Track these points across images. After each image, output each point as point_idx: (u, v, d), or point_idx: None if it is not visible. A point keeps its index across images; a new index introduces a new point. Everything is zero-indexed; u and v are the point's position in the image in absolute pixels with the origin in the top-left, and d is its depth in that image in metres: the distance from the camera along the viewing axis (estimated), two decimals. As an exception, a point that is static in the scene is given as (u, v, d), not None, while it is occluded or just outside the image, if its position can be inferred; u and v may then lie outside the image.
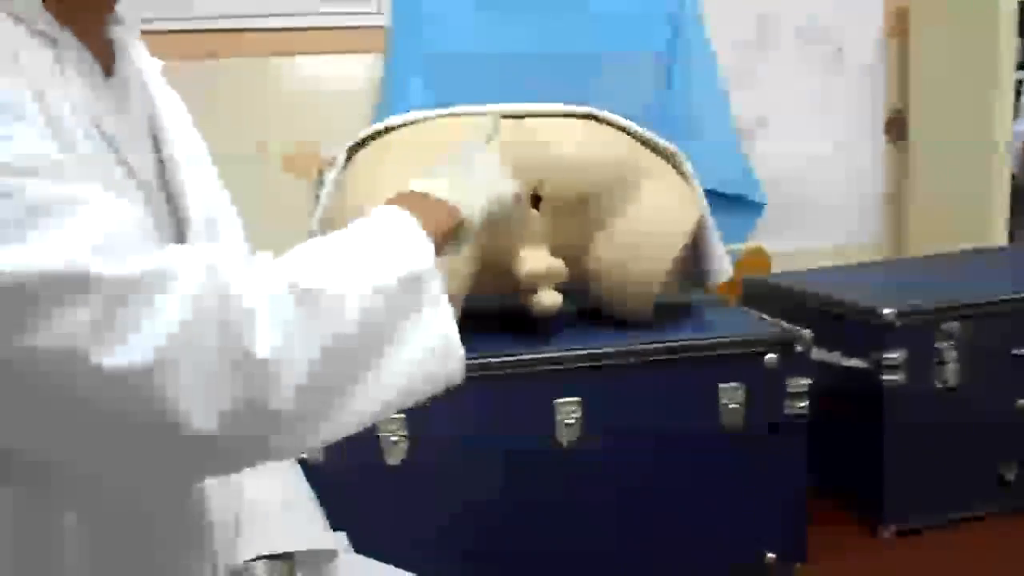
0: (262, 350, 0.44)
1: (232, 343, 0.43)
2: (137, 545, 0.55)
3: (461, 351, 0.57)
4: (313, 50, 1.99)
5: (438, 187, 0.64)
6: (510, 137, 0.91)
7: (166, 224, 0.56)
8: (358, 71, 2.01)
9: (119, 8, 0.54)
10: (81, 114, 0.48)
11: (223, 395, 0.44)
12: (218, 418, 0.43)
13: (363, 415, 0.54)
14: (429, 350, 0.55)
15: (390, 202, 0.61)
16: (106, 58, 0.53)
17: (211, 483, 0.65)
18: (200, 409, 0.43)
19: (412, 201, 0.61)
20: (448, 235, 0.62)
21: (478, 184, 0.67)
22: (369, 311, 0.51)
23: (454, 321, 0.57)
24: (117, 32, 0.55)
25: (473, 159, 0.71)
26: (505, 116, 0.94)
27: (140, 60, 0.57)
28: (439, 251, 0.60)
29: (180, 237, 0.56)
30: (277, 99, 1.94)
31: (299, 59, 1.99)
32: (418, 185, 0.65)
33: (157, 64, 0.61)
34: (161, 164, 0.57)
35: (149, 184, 0.54)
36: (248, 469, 0.75)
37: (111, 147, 0.50)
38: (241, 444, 0.47)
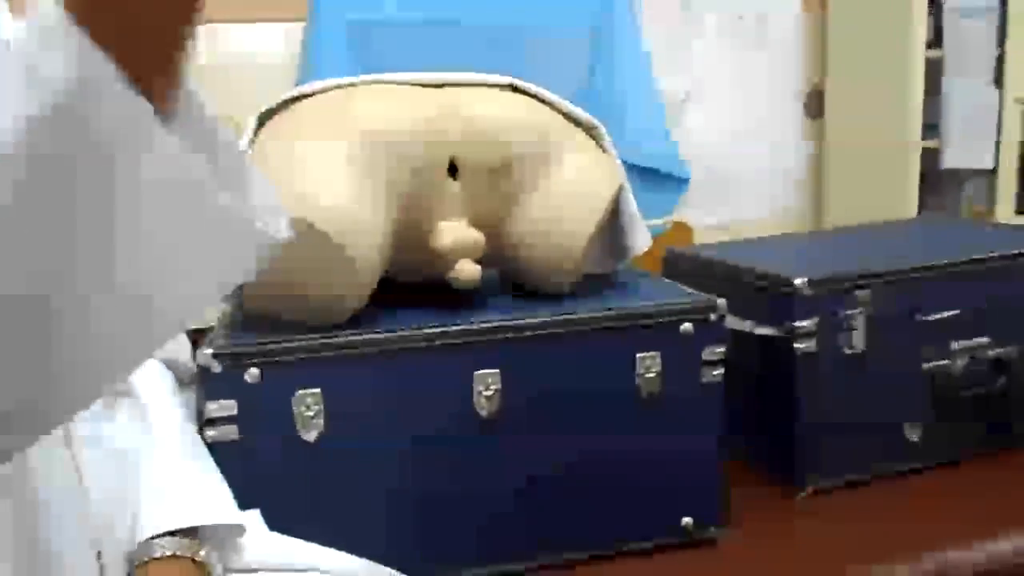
0: None
1: None
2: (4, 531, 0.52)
3: (198, 176, 0.36)
4: (232, 18, 1.92)
5: None
6: (428, 107, 0.90)
7: None
8: (279, 40, 1.95)
9: None
10: None
11: None
12: None
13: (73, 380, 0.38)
14: (164, 217, 0.35)
15: None
16: None
17: (93, 466, 0.62)
18: None
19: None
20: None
21: None
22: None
23: (176, 148, 0.35)
24: None
25: None
26: (423, 85, 0.93)
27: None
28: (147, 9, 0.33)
29: None
30: (195, 69, 1.87)
31: (217, 27, 1.91)
32: None
33: None
34: None
35: None
36: (145, 448, 0.73)
37: None
38: None
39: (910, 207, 2.11)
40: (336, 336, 0.85)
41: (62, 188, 0.33)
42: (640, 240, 1.02)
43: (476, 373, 0.89)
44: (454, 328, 0.88)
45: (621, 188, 1.00)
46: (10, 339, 0.35)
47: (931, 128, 2.17)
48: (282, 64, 1.87)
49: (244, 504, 0.77)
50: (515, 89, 0.98)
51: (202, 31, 1.87)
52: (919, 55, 2.11)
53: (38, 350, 0.36)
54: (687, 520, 0.97)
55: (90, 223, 0.34)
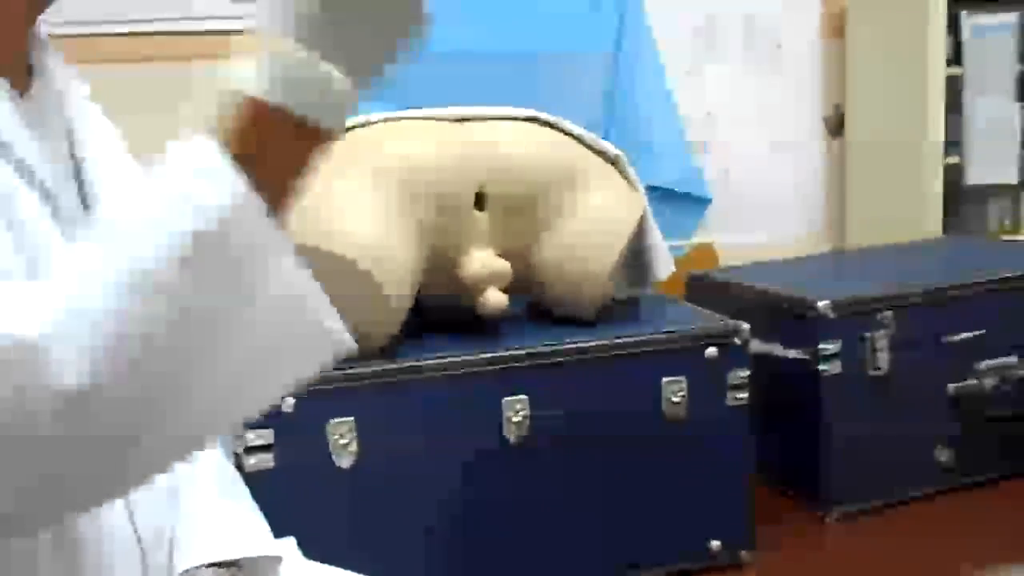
0: None
1: None
2: (49, 565, 0.53)
3: (320, 301, 0.42)
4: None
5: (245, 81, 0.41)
6: (454, 142, 0.93)
7: None
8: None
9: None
10: None
11: None
12: None
13: (168, 456, 0.44)
14: (271, 326, 0.41)
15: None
16: (20, 77, 0.50)
17: (136, 497, 0.64)
18: None
19: (228, 118, 0.41)
20: (291, 133, 0.41)
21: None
22: (132, 327, 0.38)
23: (294, 265, 0.41)
24: (35, 49, 0.52)
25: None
26: (448, 120, 0.95)
27: (57, 78, 0.54)
28: (287, 158, 0.41)
29: None
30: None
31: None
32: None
33: (84, 87, 0.59)
34: (81, 184, 0.54)
35: (66, 207, 0.51)
36: (184, 482, 0.74)
37: (23, 171, 0.47)
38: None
39: (934, 226, 2.10)
40: (368, 366, 0.88)
41: (203, 292, 0.40)
42: (663, 266, 1.03)
43: (505, 399, 0.90)
44: (483, 356, 0.90)
45: (644, 216, 1.02)
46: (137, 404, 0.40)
47: (954, 145, 2.17)
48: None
49: (280, 531, 0.79)
50: (537, 121, 1.00)
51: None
52: (939, 73, 2.11)
53: (150, 419, 0.41)
54: (715, 543, 0.98)
55: (213, 321, 0.40)
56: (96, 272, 0.39)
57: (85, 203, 0.54)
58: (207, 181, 0.39)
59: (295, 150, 0.42)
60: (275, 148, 0.42)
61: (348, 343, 0.44)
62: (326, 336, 0.44)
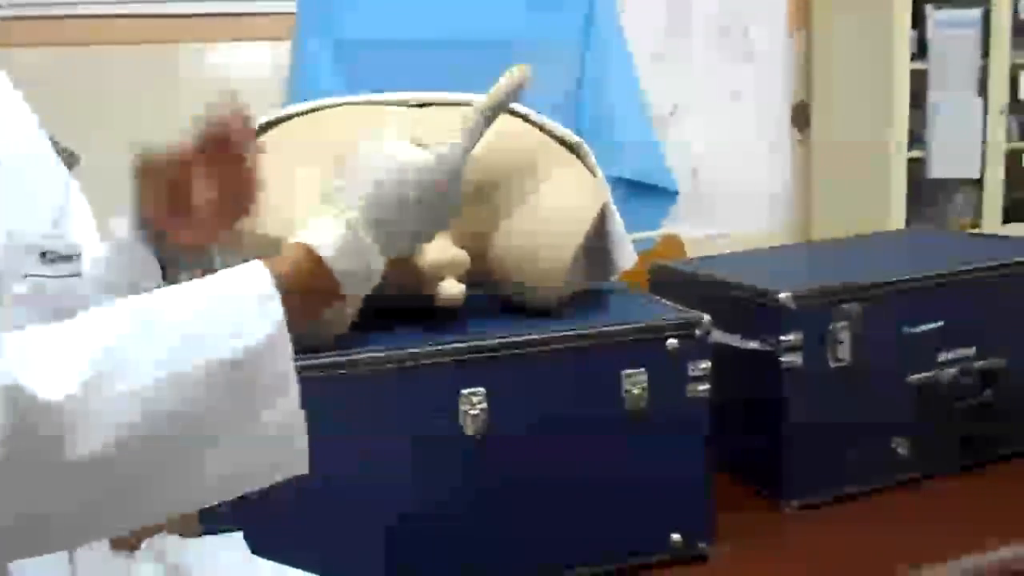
0: None
1: None
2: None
3: (302, 441, 0.51)
4: (219, 37, 1.93)
5: (324, 242, 0.52)
6: (409, 126, 0.90)
7: None
8: (266, 58, 1.95)
9: None
10: None
11: None
12: None
13: (136, 522, 0.48)
14: (257, 447, 0.48)
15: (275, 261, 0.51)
16: None
17: None
18: None
19: (287, 261, 0.51)
20: (325, 292, 0.52)
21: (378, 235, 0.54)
22: (147, 417, 0.43)
23: (297, 404, 0.49)
24: None
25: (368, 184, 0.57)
26: (404, 104, 0.93)
27: None
28: (311, 310, 0.51)
29: None
30: (183, 88, 1.88)
31: (205, 46, 1.92)
32: (307, 237, 0.53)
33: None
34: None
35: None
36: None
37: None
38: None
39: (898, 218, 2.12)
40: (321, 357, 0.85)
41: (218, 404, 0.46)
42: (625, 257, 1.02)
43: (462, 392, 0.89)
44: (439, 347, 0.88)
45: (605, 206, 1.00)
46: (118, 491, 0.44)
47: (917, 139, 2.19)
48: (269, 83, 1.88)
49: (228, 526, 0.77)
50: (498, 108, 0.98)
51: (190, 50, 1.87)
52: (904, 67, 2.13)
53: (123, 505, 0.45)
54: (676, 536, 0.97)
55: (204, 441, 0.46)
56: (132, 360, 0.43)
57: None
58: (257, 311, 0.46)
59: (319, 305, 0.52)
60: (309, 299, 0.51)
61: (305, 468, 0.52)
62: (299, 463, 0.52)
